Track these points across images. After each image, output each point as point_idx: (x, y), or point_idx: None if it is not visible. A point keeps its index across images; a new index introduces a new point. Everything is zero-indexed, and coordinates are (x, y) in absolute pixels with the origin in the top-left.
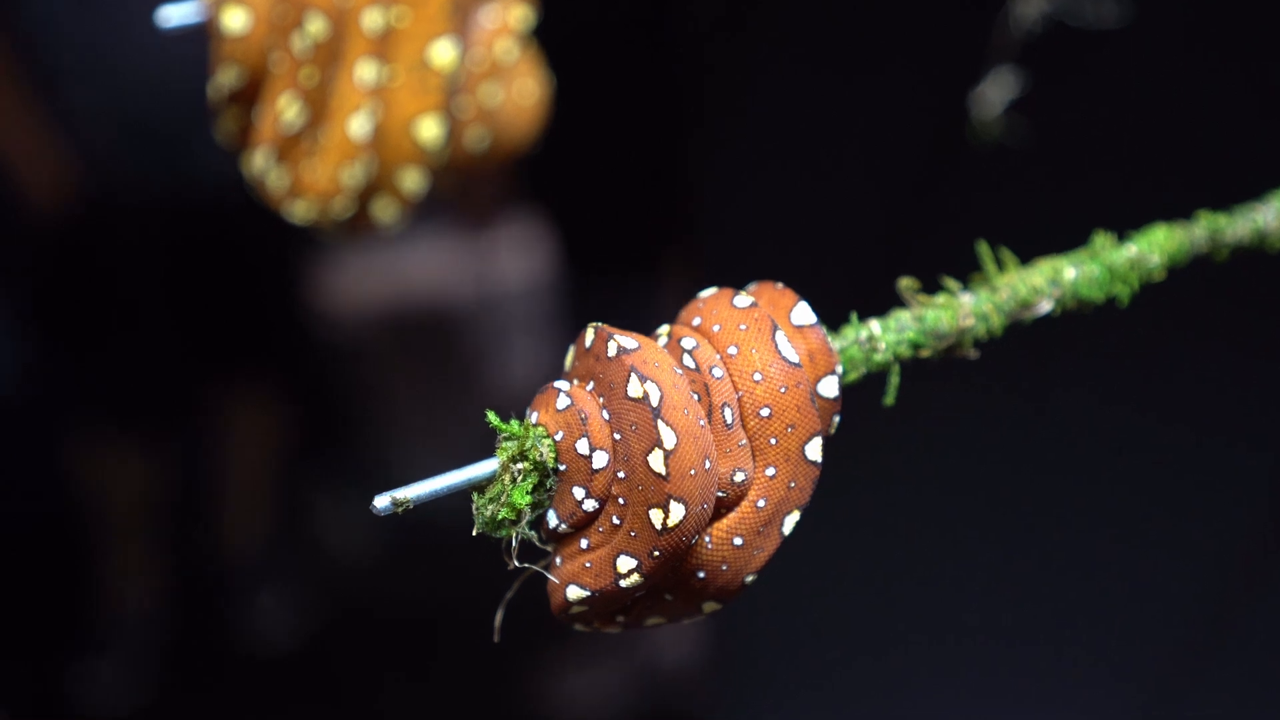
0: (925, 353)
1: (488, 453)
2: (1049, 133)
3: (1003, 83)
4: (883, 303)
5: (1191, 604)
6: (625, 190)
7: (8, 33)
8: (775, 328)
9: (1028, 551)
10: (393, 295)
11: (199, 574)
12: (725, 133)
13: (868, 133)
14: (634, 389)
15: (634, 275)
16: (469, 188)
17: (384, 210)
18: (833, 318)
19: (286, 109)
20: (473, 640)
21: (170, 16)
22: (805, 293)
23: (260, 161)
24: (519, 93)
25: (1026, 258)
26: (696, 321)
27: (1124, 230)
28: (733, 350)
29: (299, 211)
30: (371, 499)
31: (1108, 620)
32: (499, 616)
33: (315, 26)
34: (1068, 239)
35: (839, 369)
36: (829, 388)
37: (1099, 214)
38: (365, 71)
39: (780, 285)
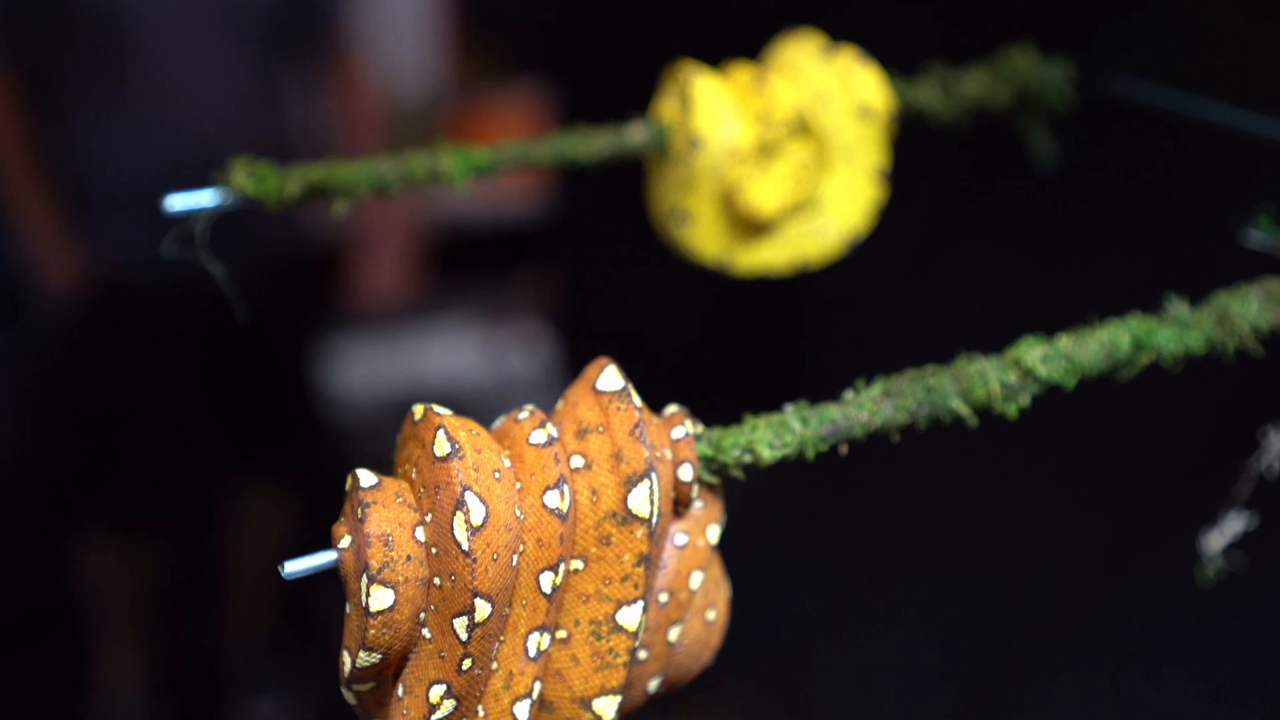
0: None
1: None
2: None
3: (1232, 525)
4: None
5: None
6: None
7: (39, 127)
8: None
9: None
10: (407, 386)
11: (200, 667)
12: None
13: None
14: None
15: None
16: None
17: None
18: None
19: (440, 704)
20: None
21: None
22: None
23: None
24: (701, 619)
25: None
26: None
27: None
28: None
29: None
30: None
31: None
32: None
33: (482, 612)
34: None
35: None
36: None
37: None
38: (536, 644)
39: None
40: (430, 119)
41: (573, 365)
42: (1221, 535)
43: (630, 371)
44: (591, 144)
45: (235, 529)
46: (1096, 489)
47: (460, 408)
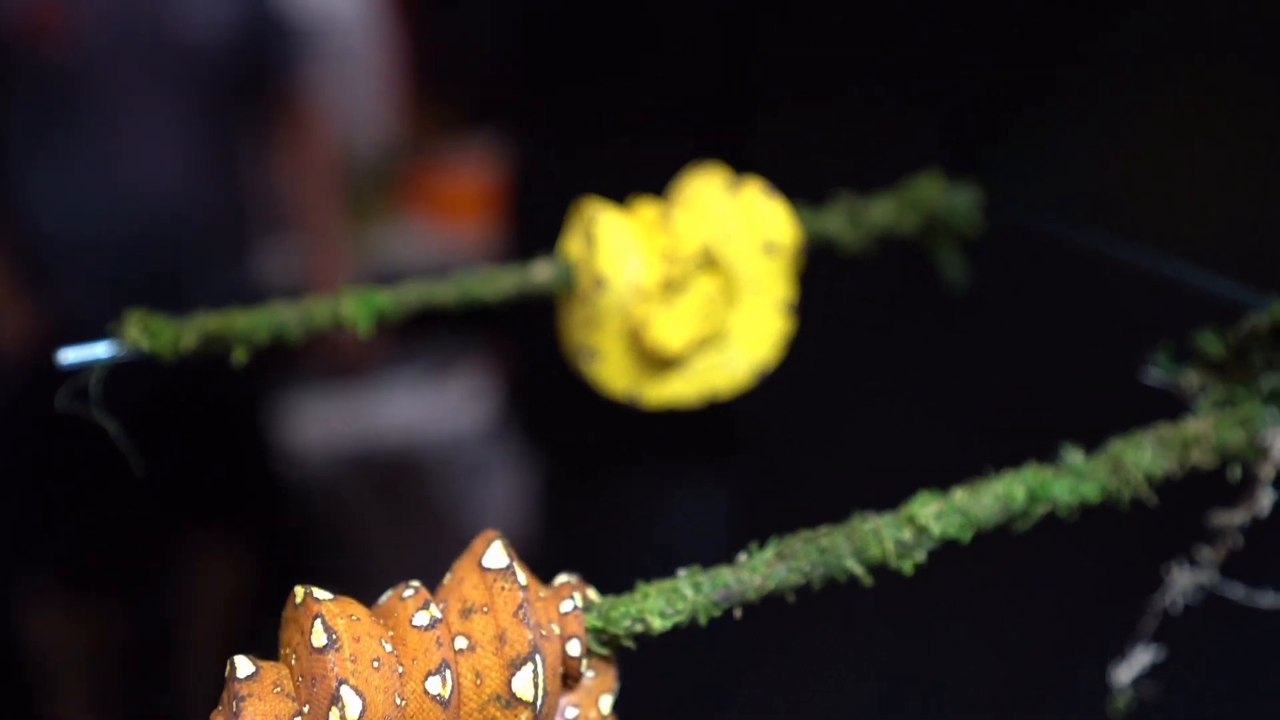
0: None
1: None
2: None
3: (1140, 658)
4: None
5: None
6: None
7: None
8: None
9: None
10: (362, 440)
11: None
12: None
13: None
14: None
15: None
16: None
17: None
18: None
19: None
20: None
21: None
22: None
23: None
24: None
25: None
26: None
27: None
28: None
29: None
30: None
31: None
32: None
33: None
34: None
35: None
36: None
37: None
38: None
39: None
40: (387, 174)
41: (530, 421)
42: (1130, 668)
43: (581, 423)
44: (497, 283)
45: (191, 590)
46: (1007, 625)
47: (416, 463)
